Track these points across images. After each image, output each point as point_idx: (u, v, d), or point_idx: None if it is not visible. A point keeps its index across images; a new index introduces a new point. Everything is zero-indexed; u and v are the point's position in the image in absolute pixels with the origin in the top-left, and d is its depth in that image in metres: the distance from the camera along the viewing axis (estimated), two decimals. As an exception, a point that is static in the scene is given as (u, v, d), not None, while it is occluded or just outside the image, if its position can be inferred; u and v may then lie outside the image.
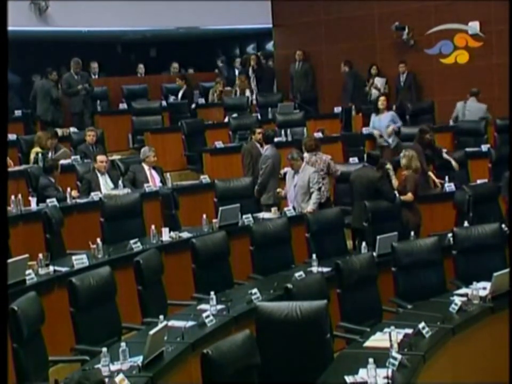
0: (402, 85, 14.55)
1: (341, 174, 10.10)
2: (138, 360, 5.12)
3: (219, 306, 6.37)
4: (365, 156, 10.13)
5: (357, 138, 12.84)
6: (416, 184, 9.35)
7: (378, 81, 14.71)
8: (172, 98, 14.34)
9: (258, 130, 10.83)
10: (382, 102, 12.63)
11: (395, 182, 9.51)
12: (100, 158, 10.26)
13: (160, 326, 5.40)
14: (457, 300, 6.31)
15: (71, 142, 11.95)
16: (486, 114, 12.94)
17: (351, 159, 11.33)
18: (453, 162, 10.75)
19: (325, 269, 7.33)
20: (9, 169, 9.65)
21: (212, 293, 6.42)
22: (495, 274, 6.50)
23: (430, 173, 10.50)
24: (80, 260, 7.34)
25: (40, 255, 7.19)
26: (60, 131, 12.47)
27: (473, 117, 12.96)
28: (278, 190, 10.04)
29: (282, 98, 14.81)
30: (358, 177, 9.24)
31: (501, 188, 9.51)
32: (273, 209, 9.51)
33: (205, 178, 10.75)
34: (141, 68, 16.13)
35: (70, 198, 9.46)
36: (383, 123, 12.53)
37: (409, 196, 9.24)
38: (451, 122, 13.24)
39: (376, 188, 8.98)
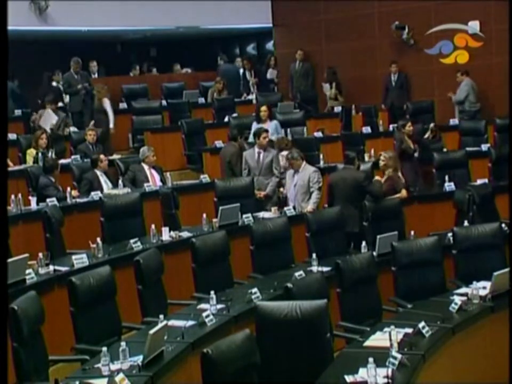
0: (394, 85, 14.60)
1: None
2: (138, 359, 5.11)
3: (219, 306, 6.37)
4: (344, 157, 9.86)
5: (357, 137, 12.84)
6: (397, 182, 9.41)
7: (324, 87, 14.87)
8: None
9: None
10: (263, 111, 11.91)
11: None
12: (100, 157, 10.30)
13: (160, 325, 5.39)
14: (457, 300, 6.30)
15: (71, 141, 11.97)
16: None
17: (351, 159, 11.32)
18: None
19: (325, 269, 7.33)
20: (9, 168, 9.66)
21: (212, 292, 6.42)
22: (495, 273, 6.49)
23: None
24: (80, 260, 7.34)
25: (40, 255, 7.18)
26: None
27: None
28: (280, 189, 10.09)
29: (282, 98, 14.83)
30: (341, 179, 9.08)
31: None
32: (273, 208, 9.52)
33: (205, 178, 10.75)
34: (152, 69, 16.29)
35: (70, 198, 9.47)
36: None
37: (404, 193, 9.42)
38: (454, 99, 13.54)
39: (363, 188, 8.97)
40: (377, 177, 9.51)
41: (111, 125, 12.75)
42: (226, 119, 13.46)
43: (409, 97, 14.54)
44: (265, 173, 10.27)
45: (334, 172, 9.60)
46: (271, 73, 15.94)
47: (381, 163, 9.49)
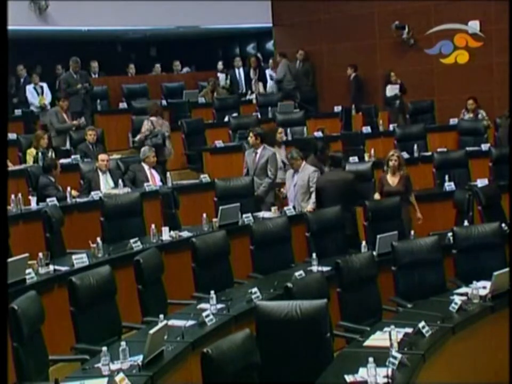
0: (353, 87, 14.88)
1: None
2: (139, 359, 5.11)
3: (219, 306, 6.37)
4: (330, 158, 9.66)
5: (357, 137, 12.85)
6: None
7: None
8: None
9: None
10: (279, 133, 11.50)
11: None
12: (102, 156, 10.32)
13: (160, 325, 5.39)
14: (457, 299, 6.30)
15: (71, 141, 11.96)
16: None
17: (351, 159, 11.31)
18: None
19: (325, 268, 7.33)
20: (9, 168, 9.65)
21: (212, 292, 6.42)
22: (495, 273, 6.49)
23: None
24: (80, 259, 7.34)
25: (40, 254, 7.18)
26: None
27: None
28: (281, 189, 10.08)
29: (282, 98, 14.82)
30: (329, 182, 9.11)
31: None
32: (273, 208, 9.52)
33: (205, 178, 10.75)
34: (157, 67, 16.36)
35: (70, 197, 9.47)
36: None
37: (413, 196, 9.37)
38: (273, 78, 15.17)
39: (353, 189, 8.98)
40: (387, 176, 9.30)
41: None
42: (226, 119, 13.47)
43: (362, 99, 14.70)
44: (259, 173, 10.19)
45: (321, 176, 9.55)
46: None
47: (394, 163, 9.18)
